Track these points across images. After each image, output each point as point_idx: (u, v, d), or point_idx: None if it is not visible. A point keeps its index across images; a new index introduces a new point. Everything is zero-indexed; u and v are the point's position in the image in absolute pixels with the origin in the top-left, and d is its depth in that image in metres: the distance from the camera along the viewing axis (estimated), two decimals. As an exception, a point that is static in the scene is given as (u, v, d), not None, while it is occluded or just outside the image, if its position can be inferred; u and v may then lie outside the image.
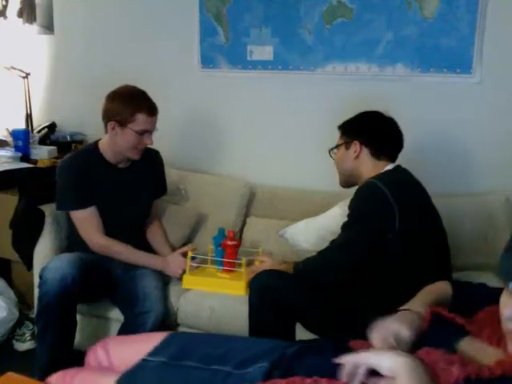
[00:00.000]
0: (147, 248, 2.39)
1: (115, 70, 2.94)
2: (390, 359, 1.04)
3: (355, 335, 1.37)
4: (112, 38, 3.06)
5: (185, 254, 2.29)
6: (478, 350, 1.15)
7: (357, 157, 1.99)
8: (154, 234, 2.43)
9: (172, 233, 2.54)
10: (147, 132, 2.17)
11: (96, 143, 2.29)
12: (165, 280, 2.29)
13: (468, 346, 1.17)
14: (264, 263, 2.19)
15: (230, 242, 2.29)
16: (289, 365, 1.21)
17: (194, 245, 2.46)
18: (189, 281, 2.26)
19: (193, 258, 2.27)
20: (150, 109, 2.16)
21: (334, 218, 2.28)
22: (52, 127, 3.18)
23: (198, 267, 2.30)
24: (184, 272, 2.26)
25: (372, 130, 2.00)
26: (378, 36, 2.48)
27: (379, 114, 2.02)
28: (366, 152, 1.98)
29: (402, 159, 2.02)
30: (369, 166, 1.98)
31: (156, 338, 1.39)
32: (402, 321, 1.24)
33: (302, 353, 1.25)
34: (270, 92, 2.76)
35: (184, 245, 2.47)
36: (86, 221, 2.22)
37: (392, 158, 2.00)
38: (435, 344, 1.15)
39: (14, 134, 2.98)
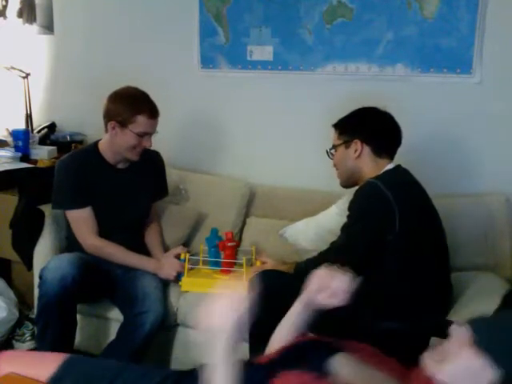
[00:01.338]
0: (145, 249, 2.39)
1: (115, 70, 2.94)
2: None
3: (352, 335, 1.37)
4: (112, 38, 3.06)
5: (178, 257, 2.29)
6: (358, 368, 1.16)
7: (358, 156, 1.97)
8: (150, 236, 2.43)
9: (172, 233, 2.54)
10: (147, 134, 2.17)
11: (96, 143, 2.30)
12: (164, 280, 2.28)
13: (345, 362, 1.18)
14: (266, 264, 2.19)
15: (229, 244, 2.29)
16: None
17: (186, 247, 2.45)
18: (188, 283, 2.25)
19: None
20: (151, 111, 2.16)
21: (331, 216, 2.29)
22: (52, 127, 3.18)
23: (191, 269, 2.30)
24: (178, 274, 2.26)
25: (372, 127, 1.98)
26: (377, 36, 2.48)
27: (376, 109, 2.00)
28: (367, 150, 1.97)
29: (402, 159, 2.02)
30: (370, 165, 1.96)
31: (51, 360, 1.39)
32: None
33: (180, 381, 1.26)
34: (270, 92, 2.76)
35: (183, 246, 2.47)
36: (81, 221, 2.22)
37: (392, 156, 2.00)
38: (305, 365, 1.18)
39: (14, 134, 2.97)
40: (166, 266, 2.26)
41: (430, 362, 1.05)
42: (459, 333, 1.02)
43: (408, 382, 1.09)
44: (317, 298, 1.37)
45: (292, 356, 1.26)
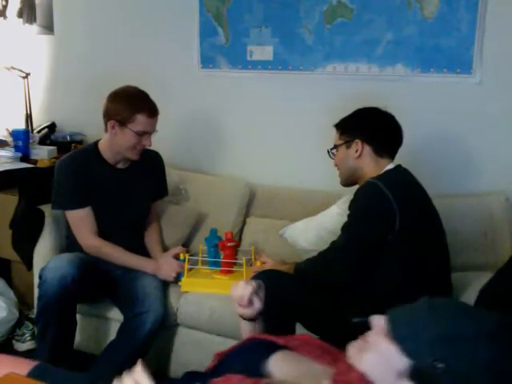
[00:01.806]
0: (145, 250, 2.38)
1: (115, 71, 2.94)
2: None
3: (350, 336, 1.38)
4: (112, 38, 3.06)
5: (176, 257, 2.29)
6: (294, 363, 1.17)
7: (359, 156, 1.97)
8: (149, 236, 2.43)
9: (172, 233, 2.54)
10: (146, 133, 2.17)
11: (96, 143, 2.30)
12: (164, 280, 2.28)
13: (281, 360, 1.19)
14: (265, 264, 2.18)
15: (228, 244, 2.29)
16: None
17: (185, 247, 2.45)
18: (187, 283, 2.25)
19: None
20: (151, 110, 2.16)
21: (332, 217, 2.29)
22: (52, 127, 3.18)
23: (191, 269, 2.30)
24: (177, 275, 2.26)
25: (373, 127, 1.98)
26: (378, 36, 2.48)
27: (377, 109, 2.00)
28: (368, 150, 1.97)
29: (402, 159, 2.02)
30: (371, 165, 1.97)
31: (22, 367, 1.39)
32: None
33: None
34: (270, 92, 2.76)
35: (183, 246, 2.47)
36: (81, 221, 2.22)
37: (392, 155, 2.00)
38: (240, 368, 1.18)
39: (14, 133, 2.97)
40: (165, 266, 2.26)
41: (351, 352, 1.06)
42: (378, 323, 1.04)
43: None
44: (239, 312, 1.41)
45: (232, 360, 1.28)
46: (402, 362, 0.97)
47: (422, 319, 1.00)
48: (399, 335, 0.99)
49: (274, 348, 1.23)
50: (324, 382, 1.09)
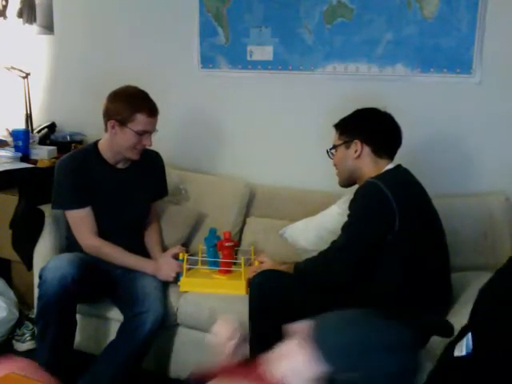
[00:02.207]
0: (145, 250, 2.38)
1: (115, 71, 2.94)
2: None
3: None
4: (112, 38, 3.06)
5: (175, 257, 2.29)
6: None
7: (358, 156, 1.97)
8: (149, 236, 2.43)
9: (172, 233, 2.54)
10: (147, 133, 2.17)
11: (96, 143, 2.30)
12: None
13: None
14: (264, 264, 2.18)
15: (226, 244, 2.29)
16: None
17: (185, 247, 2.45)
18: (186, 283, 2.25)
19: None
20: (151, 110, 2.16)
21: (332, 216, 2.29)
22: (52, 127, 3.18)
23: (190, 269, 2.30)
24: (177, 275, 2.26)
25: (372, 128, 1.99)
26: (378, 36, 2.48)
27: (376, 110, 2.00)
28: (367, 151, 1.97)
29: (402, 159, 2.02)
30: (370, 165, 1.97)
31: None
32: None
33: None
34: (270, 92, 2.76)
35: (182, 245, 2.47)
36: (81, 221, 2.22)
37: (392, 156, 2.00)
38: None
39: (14, 133, 2.97)
40: (165, 266, 2.26)
41: (270, 358, 1.06)
42: (298, 329, 1.05)
43: None
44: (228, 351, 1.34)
45: None
46: (317, 369, 0.98)
47: (342, 329, 1.02)
48: (318, 343, 1.00)
49: (207, 378, 1.22)
50: None
